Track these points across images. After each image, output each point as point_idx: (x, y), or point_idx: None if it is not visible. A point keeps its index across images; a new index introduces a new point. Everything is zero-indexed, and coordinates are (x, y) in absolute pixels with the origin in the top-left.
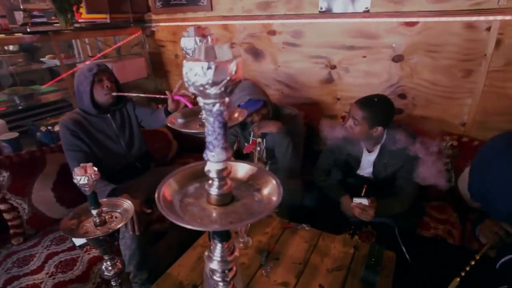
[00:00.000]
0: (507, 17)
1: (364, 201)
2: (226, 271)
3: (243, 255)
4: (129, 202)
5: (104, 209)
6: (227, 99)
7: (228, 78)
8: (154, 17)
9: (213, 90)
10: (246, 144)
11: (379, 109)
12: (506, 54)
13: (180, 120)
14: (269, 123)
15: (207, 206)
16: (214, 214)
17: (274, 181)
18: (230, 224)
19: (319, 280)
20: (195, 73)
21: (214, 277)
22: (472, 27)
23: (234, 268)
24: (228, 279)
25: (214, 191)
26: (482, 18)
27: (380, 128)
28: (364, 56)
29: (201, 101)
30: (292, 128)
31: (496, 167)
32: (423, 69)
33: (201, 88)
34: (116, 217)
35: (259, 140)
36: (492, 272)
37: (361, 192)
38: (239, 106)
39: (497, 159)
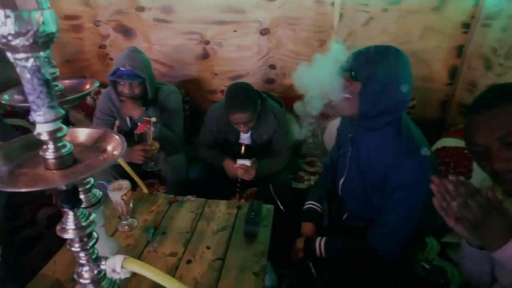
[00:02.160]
0: None
1: (247, 162)
2: (85, 239)
3: (129, 236)
4: None
5: None
6: (42, 53)
7: (34, 28)
8: None
9: (19, 42)
10: (138, 124)
11: (253, 100)
12: (348, 26)
13: (17, 97)
14: (131, 106)
15: (45, 172)
16: (52, 178)
17: (117, 137)
18: (62, 182)
19: (206, 243)
20: None
21: (73, 249)
22: (320, 2)
23: (95, 234)
24: (88, 247)
25: (50, 155)
26: None
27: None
28: (235, 31)
29: (10, 56)
30: (166, 105)
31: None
32: (287, 41)
33: (5, 40)
34: None
35: (153, 119)
36: (341, 221)
37: (240, 150)
38: (117, 69)
39: None
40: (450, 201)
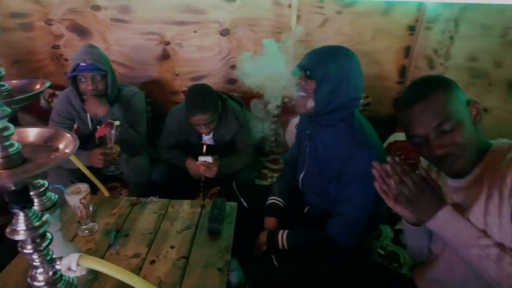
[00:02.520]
0: None
1: (208, 159)
2: (38, 240)
3: (89, 241)
4: None
5: None
6: None
7: None
8: None
9: None
10: (98, 127)
11: (213, 101)
12: (305, 27)
13: None
14: (96, 104)
15: None
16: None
17: (69, 135)
18: (10, 181)
19: (170, 243)
20: None
21: (25, 251)
22: (278, 4)
23: (48, 235)
24: (42, 248)
25: None
26: None
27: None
28: (195, 31)
29: None
30: (130, 106)
31: None
32: (247, 41)
33: None
34: None
35: (117, 122)
36: (302, 215)
37: (202, 150)
38: (78, 65)
39: None
40: (389, 181)
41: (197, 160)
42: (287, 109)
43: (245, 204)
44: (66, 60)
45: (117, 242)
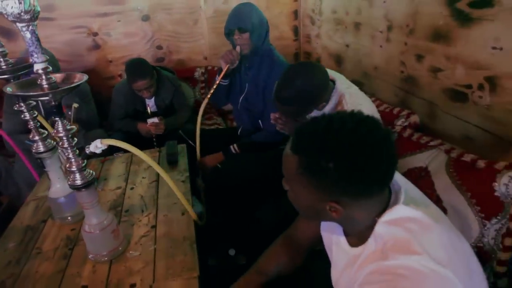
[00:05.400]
0: None
1: (155, 120)
2: (70, 139)
3: None
4: None
5: None
6: (35, 22)
7: (32, 8)
8: None
9: (26, 16)
10: None
11: (149, 69)
12: (212, 5)
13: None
14: None
15: (42, 92)
16: (47, 94)
17: (79, 74)
18: (52, 95)
19: (141, 175)
20: (11, 6)
21: (64, 146)
22: None
23: (75, 138)
24: (72, 144)
25: (44, 82)
26: None
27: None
28: (119, 20)
29: (18, 25)
30: (78, 90)
31: None
32: (166, 23)
33: (18, 16)
34: None
35: (75, 105)
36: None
37: (148, 113)
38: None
39: None
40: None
41: (145, 123)
42: (212, 75)
43: (191, 143)
44: None
45: (100, 183)
